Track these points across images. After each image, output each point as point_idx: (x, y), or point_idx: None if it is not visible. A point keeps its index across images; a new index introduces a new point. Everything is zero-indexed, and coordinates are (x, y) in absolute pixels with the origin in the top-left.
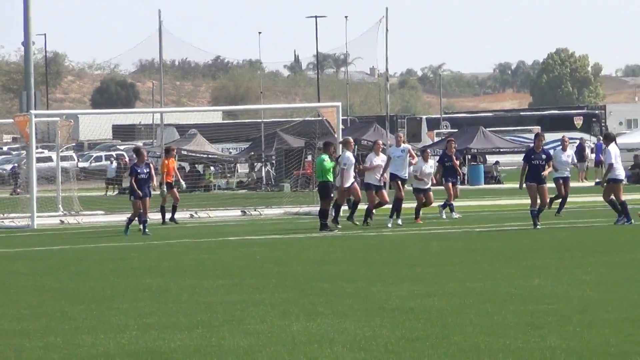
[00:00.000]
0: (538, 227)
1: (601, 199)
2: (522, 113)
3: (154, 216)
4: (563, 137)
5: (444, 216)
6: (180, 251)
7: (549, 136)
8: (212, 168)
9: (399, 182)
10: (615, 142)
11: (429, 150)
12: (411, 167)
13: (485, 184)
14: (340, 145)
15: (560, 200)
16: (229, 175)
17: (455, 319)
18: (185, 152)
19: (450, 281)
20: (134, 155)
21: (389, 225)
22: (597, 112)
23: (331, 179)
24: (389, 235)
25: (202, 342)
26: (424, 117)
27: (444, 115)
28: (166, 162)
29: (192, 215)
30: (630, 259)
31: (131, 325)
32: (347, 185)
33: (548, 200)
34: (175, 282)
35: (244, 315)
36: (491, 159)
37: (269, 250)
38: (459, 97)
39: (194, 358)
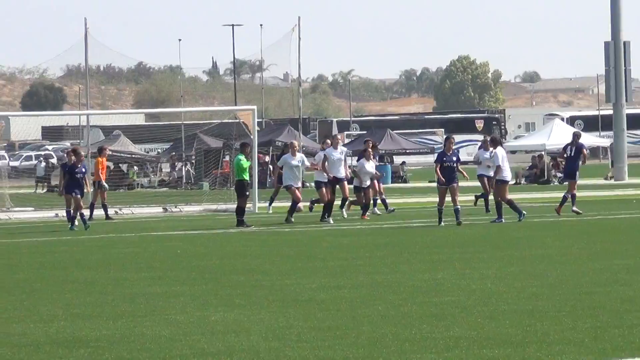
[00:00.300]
0: (442, 224)
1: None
2: (426, 116)
3: (98, 212)
4: (484, 137)
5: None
6: (106, 245)
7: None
8: (135, 167)
9: (336, 182)
10: (502, 145)
11: (370, 150)
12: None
13: (392, 183)
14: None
15: (483, 197)
16: (151, 174)
17: (364, 310)
18: (109, 152)
19: (360, 274)
20: (73, 156)
21: (331, 221)
22: (497, 115)
23: (247, 178)
24: (302, 231)
25: (126, 331)
26: (335, 119)
27: (353, 118)
28: (100, 160)
29: (116, 212)
30: (527, 254)
31: (59, 316)
32: (337, 176)
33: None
34: (101, 275)
35: (166, 306)
36: (398, 159)
37: (188, 244)
38: (367, 101)
39: (118, 346)
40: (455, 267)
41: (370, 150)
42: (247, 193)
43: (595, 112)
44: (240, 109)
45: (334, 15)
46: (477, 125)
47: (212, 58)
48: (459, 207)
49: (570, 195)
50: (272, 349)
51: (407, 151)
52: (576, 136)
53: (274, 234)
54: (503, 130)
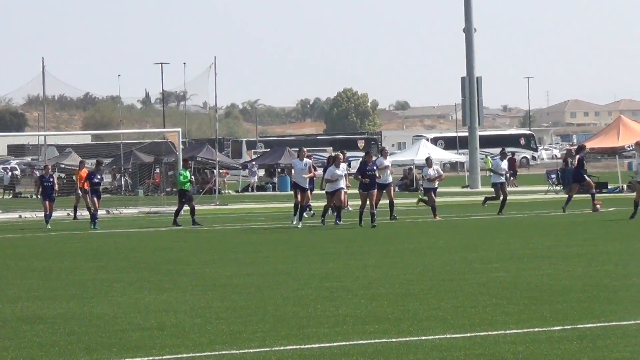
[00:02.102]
0: (362, 225)
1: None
2: (318, 137)
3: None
4: (502, 149)
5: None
6: (60, 241)
7: None
8: None
9: (300, 189)
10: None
11: (340, 157)
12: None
13: (291, 190)
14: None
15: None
16: None
17: (269, 293)
18: (63, 166)
19: (266, 264)
20: (42, 169)
21: (298, 225)
22: (375, 136)
23: (188, 187)
24: (218, 230)
25: (77, 310)
26: (244, 139)
27: (259, 138)
28: (80, 172)
29: (68, 214)
30: (401, 248)
31: (23, 297)
32: (331, 190)
33: (377, 202)
34: (56, 265)
35: (109, 290)
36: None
37: (127, 240)
38: (270, 125)
39: (71, 322)
40: (343, 258)
41: (340, 158)
42: (183, 200)
43: (454, 134)
44: (168, 131)
45: (244, 55)
46: (359, 144)
47: (145, 89)
48: (375, 211)
49: (569, 197)
50: (196, 325)
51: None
52: (580, 149)
53: (195, 232)
54: (379, 149)
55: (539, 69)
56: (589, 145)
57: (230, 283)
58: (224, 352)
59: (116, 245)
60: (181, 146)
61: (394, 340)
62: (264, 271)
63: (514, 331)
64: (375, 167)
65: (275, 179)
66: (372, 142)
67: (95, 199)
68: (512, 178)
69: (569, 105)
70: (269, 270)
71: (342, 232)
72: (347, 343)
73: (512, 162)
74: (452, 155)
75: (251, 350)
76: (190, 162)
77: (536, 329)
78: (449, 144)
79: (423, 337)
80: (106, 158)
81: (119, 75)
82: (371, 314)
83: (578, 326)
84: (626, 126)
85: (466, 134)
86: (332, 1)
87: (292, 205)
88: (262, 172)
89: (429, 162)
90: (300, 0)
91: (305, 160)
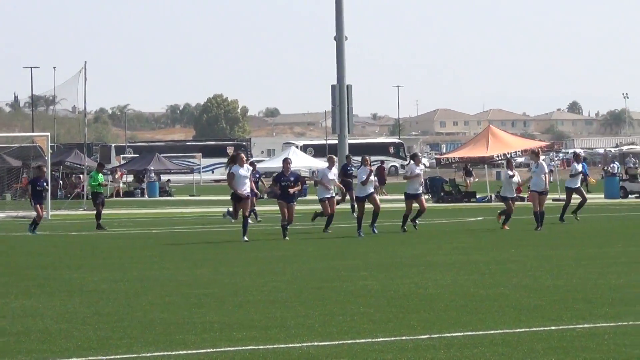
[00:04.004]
0: (287, 238)
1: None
2: (187, 143)
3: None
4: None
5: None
6: None
7: (206, 161)
8: None
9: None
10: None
11: (335, 158)
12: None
13: (159, 196)
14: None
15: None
16: None
17: (137, 299)
18: None
19: (133, 270)
20: (37, 171)
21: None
22: (245, 143)
23: (101, 190)
24: (86, 235)
25: None
26: (113, 145)
27: (128, 144)
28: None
29: None
30: (269, 255)
31: None
32: (326, 196)
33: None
34: None
35: None
36: (164, 177)
37: None
38: (140, 130)
39: None
40: (211, 265)
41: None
42: (98, 201)
43: (324, 142)
44: (36, 135)
45: (114, 59)
46: (228, 151)
47: (14, 93)
48: (290, 223)
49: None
50: (62, 330)
51: (172, 171)
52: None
53: (63, 237)
54: (249, 155)
55: (408, 78)
56: (458, 154)
57: (97, 289)
58: (90, 358)
59: None
60: (50, 151)
61: (261, 347)
62: (132, 277)
63: (381, 339)
64: (292, 178)
65: (144, 185)
66: (242, 149)
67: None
68: (380, 186)
69: (438, 114)
70: (137, 276)
71: (211, 239)
72: (215, 350)
73: (381, 170)
74: (321, 163)
75: (118, 357)
76: (103, 165)
77: (403, 338)
78: (319, 151)
79: (290, 345)
80: None
81: None
82: (239, 321)
83: (445, 335)
84: (495, 136)
85: (336, 141)
86: (202, 6)
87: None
88: (130, 178)
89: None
90: (170, 6)
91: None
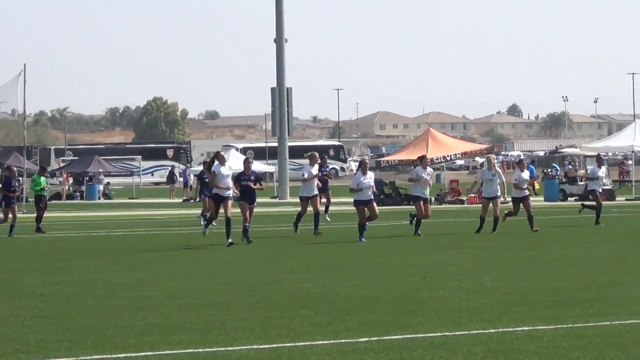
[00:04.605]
0: (252, 241)
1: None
2: (127, 146)
3: None
4: (312, 153)
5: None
6: None
7: (146, 164)
8: None
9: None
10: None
11: (317, 155)
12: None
13: (99, 199)
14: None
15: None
16: None
17: (77, 302)
18: None
19: (73, 273)
20: (8, 172)
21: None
22: (184, 146)
23: (44, 194)
24: (25, 238)
25: None
26: (53, 147)
27: (68, 146)
28: None
29: None
30: (212, 258)
31: None
32: (309, 195)
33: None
34: None
35: None
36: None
37: None
38: (79, 133)
39: None
40: (151, 268)
41: (320, 161)
42: (41, 205)
43: (264, 144)
44: None
45: (53, 62)
46: (168, 153)
47: None
48: (248, 225)
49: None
50: (1, 333)
51: (112, 173)
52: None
53: (2, 240)
54: (189, 158)
55: (349, 81)
56: (398, 157)
57: (36, 292)
58: None
59: None
60: None
61: (200, 350)
62: (71, 280)
63: (321, 342)
64: (252, 178)
65: (84, 187)
66: (182, 152)
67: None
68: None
69: (379, 117)
70: (76, 279)
71: (151, 241)
72: (154, 353)
73: None
74: (261, 166)
75: (57, 359)
76: (45, 169)
77: (343, 340)
78: (259, 154)
79: (230, 348)
80: None
81: None
82: (178, 324)
83: (384, 338)
84: (434, 138)
85: (276, 144)
86: (142, 9)
87: (110, 214)
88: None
89: None
90: (110, 10)
91: (228, 165)
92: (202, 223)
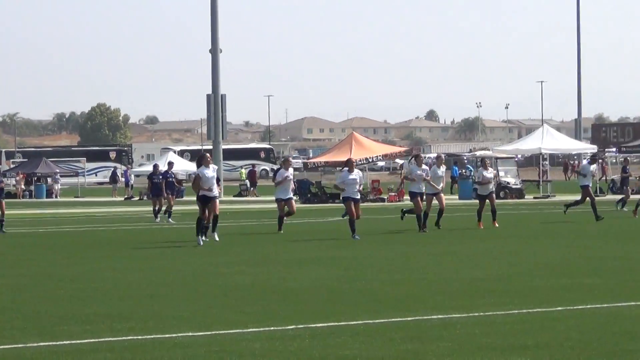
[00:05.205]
0: (205, 238)
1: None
2: (73, 148)
3: None
4: (286, 158)
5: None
6: None
7: (90, 165)
8: None
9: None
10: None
11: (291, 160)
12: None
13: (56, 197)
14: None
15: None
16: None
17: (23, 294)
18: None
19: (20, 267)
20: None
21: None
22: (126, 148)
23: None
24: None
25: None
26: (3, 150)
27: (17, 149)
28: None
29: None
30: (151, 252)
31: None
32: (283, 197)
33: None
34: None
35: None
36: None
37: None
38: (29, 137)
39: None
40: (94, 261)
41: (289, 161)
42: None
43: (200, 147)
44: None
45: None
46: (110, 155)
47: None
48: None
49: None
50: None
51: (59, 174)
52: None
53: None
54: (130, 159)
55: (279, 88)
56: (323, 159)
57: None
58: None
59: None
60: None
61: (139, 337)
62: (19, 273)
63: (251, 330)
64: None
65: (32, 187)
66: (123, 154)
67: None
68: (252, 188)
69: (306, 121)
70: (24, 272)
71: (96, 237)
72: (97, 340)
73: (252, 174)
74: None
75: (4, 347)
76: None
77: (271, 328)
78: (195, 156)
79: (167, 335)
80: None
81: None
82: (119, 313)
83: (310, 325)
84: (358, 142)
85: (211, 147)
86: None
87: (57, 212)
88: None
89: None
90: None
91: (212, 166)
92: (169, 220)
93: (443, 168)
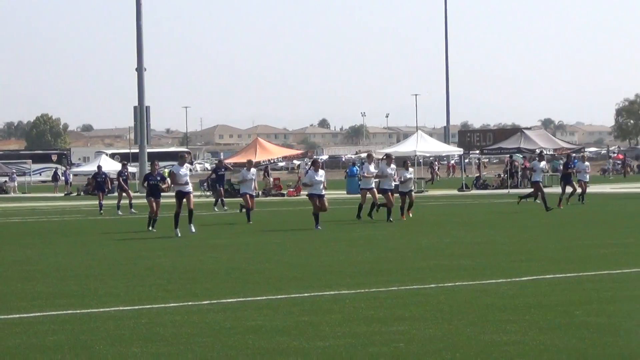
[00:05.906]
0: (154, 230)
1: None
2: (20, 152)
3: None
4: (250, 160)
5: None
6: None
7: (35, 166)
8: None
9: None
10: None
11: (252, 162)
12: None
13: (14, 193)
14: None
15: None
16: None
17: None
18: None
19: None
20: None
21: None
22: (66, 152)
23: None
24: None
25: None
26: None
27: None
28: None
29: None
30: (88, 239)
31: None
32: (248, 191)
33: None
34: None
35: None
36: (2, 179)
37: None
38: None
39: None
40: (38, 247)
41: (252, 162)
42: None
43: (128, 150)
44: None
45: None
46: (52, 158)
47: None
48: (157, 216)
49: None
50: None
51: (8, 174)
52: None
53: None
54: (69, 161)
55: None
56: (231, 160)
57: None
58: None
59: None
60: None
61: (78, 311)
62: None
63: (172, 304)
64: (158, 178)
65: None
66: (64, 156)
67: None
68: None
69: (218, 129)
70: None
71: (39, 227)
72: (42, 314)
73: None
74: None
75: None
76: None
77: (190, 303)
78: (124, 158)
79: (101, 309)
80: None
81: None
82: (61, 291)
83: (222, 301)
84: (261, 146)
85: (137, 150)
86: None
87: (7, 206)
88: None
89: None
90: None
91: (187, 165)
92: (132, 211)
93: (393, 166)
